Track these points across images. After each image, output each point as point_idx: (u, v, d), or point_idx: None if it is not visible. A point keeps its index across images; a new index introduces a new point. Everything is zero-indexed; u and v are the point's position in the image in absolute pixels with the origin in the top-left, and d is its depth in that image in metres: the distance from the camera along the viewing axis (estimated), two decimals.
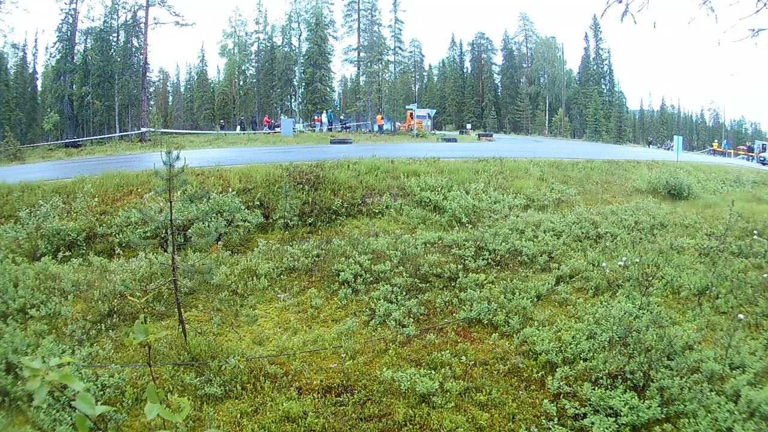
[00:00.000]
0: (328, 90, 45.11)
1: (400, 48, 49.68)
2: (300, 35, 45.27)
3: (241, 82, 50.14)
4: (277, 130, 31.20)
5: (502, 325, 6.31)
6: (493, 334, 6.17)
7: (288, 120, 30.47)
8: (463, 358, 5.65)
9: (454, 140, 27.44)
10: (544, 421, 4.79)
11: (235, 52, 49.15)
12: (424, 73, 63.29)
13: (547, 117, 53.94)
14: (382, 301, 6.81)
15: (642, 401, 4.74)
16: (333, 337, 6.19)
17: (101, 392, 4.99)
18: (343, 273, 7.46)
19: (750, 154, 35.57)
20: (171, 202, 5.80)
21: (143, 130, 28.12)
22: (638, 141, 56.80)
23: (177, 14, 28.83)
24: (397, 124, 39.90)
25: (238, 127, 34.95)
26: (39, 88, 41.20)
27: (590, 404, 4.83)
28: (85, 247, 8.73)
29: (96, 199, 9.92)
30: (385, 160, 12.74)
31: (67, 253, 8.39)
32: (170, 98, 61.23)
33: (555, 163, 14.87)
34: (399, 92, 44.64)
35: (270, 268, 7.71)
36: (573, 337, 5.85)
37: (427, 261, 7.77)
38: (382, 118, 35.44)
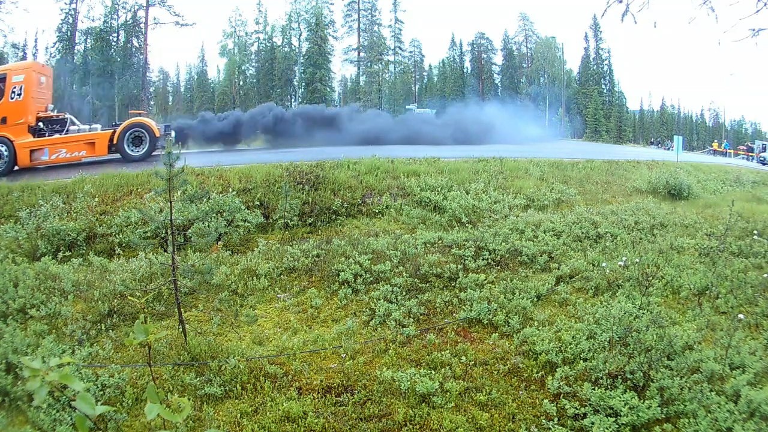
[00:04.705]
0: (328, 90, 45.15)
1: (400, 48, 49.70)
2: (300, 35, 45.36)
3: (241, 82, 50.16)
4: None
5: (502, 325, 6.31)
6: (493, 334, 6.17)
7: None
8: (463, 358, 5.66)
9: None
10: (544, 421, 4.79)
11: (235, 52, 49.17)
12: (424, 73, 63.22)
13: (547, 117, 53.92)
14: (382, 301, 6.81)
15: (642, 401, 4.74)
16: (333, 337, 6.19)
17: (101, 392, 4.99)
18: (343, 273, 7.46)
19: (750, 154, 35.58)
20: (171, 202, 5.80)
21: None
22: (638, 141, 56.78)
23: (177, 14, 29.11)
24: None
25: None
26: None
27: (590, 404, 4.83)
28: (85, 247, 8.72)
29: (96, 199, 9.91)
30: (385, 160, 12.74)
31: (67, 253, 8.39)
32: (170, 98, 61.20)
33: (555, 163, 14.86)
34: (399, 92, 44.64)
35: (270, 268, 7.71)
36: (573, 337, 5.86)
37: (427, 261, 7.77)
38: None
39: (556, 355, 5.58)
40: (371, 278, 7.42)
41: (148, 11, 28.83)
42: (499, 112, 30.20)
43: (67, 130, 14.04)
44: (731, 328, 5.64)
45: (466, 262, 7.88)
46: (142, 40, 30.28)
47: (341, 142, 19.75)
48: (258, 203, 10.22)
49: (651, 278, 6.99)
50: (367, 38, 42.19)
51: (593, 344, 5.66)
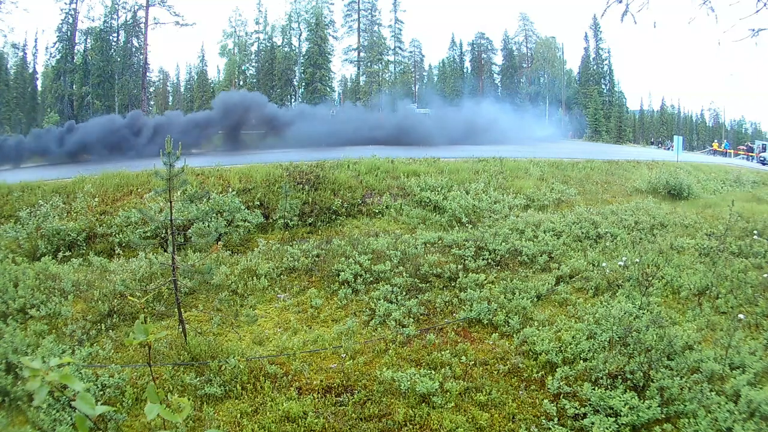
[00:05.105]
0: (328, 90, 45.12)
1: (400, 48, 49.66)
2: (300, 35, 45.33)
3: (241, 82, 50.11)
4: None
5: (502, 325, 6.31)
6: (493, 334, 6.17)
7: None
8: (463, 358, 5.66)
9: None
10: (544, 421, 4.79)
11: (235, 52, 49.14)
12: (424, 73, 63.19)
13: (546, 117, 53.90)
14: (382, 301, 6.81)
15: (642, 401, 4.74)
16: (333, 337, 6.19)
17: (101, 392, 4.99)
18: (343, 273, 7.46)
19: (750, 154, 35.51)
20: (171, 202, 5.80)
21: None
22: (638, 141, 56.74)
23: (177, 14, 29.07)
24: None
25: None
26: (39, 88, 41.17)
27: (590, 404, 4.84)
28: (85, 247, 8.72)
29: (96, 199, 9.91)
30: (385, 160, 12.74)
31: (67, 253, 8.39)
32: (170, 98, 61.16)
33: (555, 163, 14.86)
34: (399, 92, 44.63)
35: (270, 268, 7.71)
36: (573, 337, 5.86)
37: (427, 261, 7.77)
38: None
39: (556, 355, 5.58)
40: (371, 278, 7.42)
41: (148, 11, 28.88)
42: (501, 113, 29.93)
43: None
44: (731, 328, 5.64)
45: (466, 262, 7.88)
46: (142, 40, 30.33)
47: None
48: (258, 203, 10.22)
49: (651, 278, 6.99)
50: (367, 38, 42.21)
51: (593, 344, 5.66)
